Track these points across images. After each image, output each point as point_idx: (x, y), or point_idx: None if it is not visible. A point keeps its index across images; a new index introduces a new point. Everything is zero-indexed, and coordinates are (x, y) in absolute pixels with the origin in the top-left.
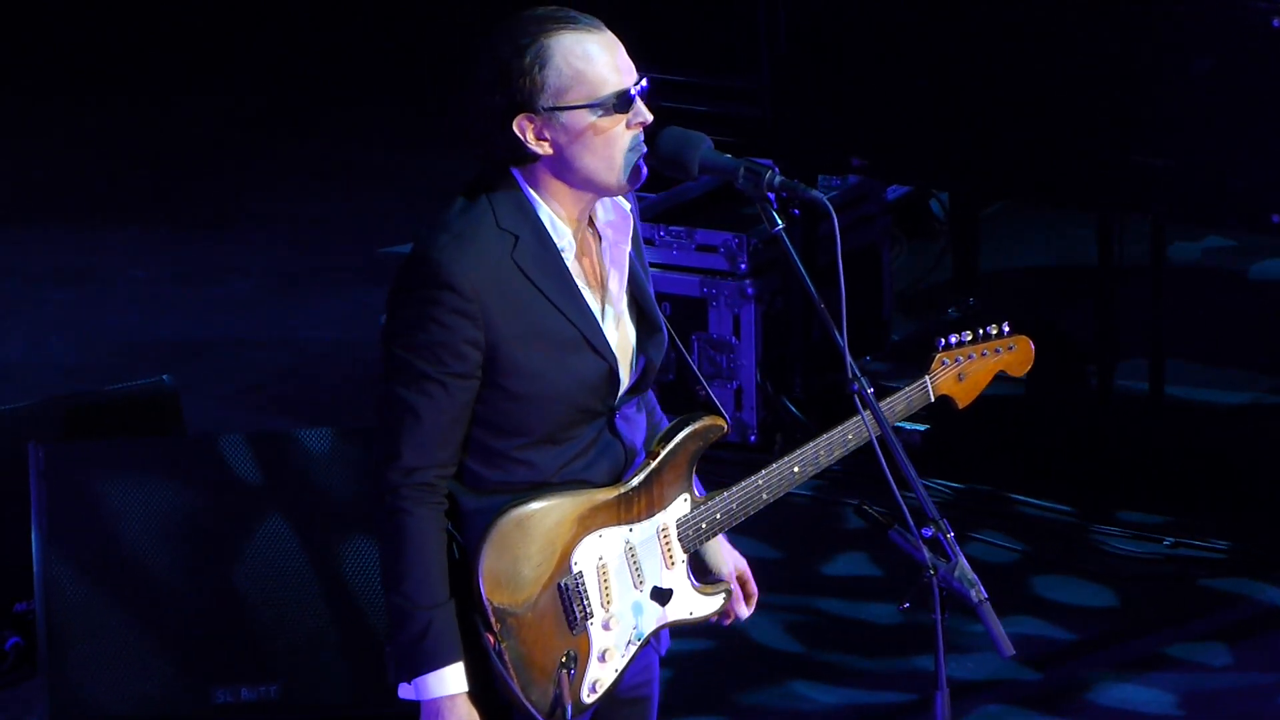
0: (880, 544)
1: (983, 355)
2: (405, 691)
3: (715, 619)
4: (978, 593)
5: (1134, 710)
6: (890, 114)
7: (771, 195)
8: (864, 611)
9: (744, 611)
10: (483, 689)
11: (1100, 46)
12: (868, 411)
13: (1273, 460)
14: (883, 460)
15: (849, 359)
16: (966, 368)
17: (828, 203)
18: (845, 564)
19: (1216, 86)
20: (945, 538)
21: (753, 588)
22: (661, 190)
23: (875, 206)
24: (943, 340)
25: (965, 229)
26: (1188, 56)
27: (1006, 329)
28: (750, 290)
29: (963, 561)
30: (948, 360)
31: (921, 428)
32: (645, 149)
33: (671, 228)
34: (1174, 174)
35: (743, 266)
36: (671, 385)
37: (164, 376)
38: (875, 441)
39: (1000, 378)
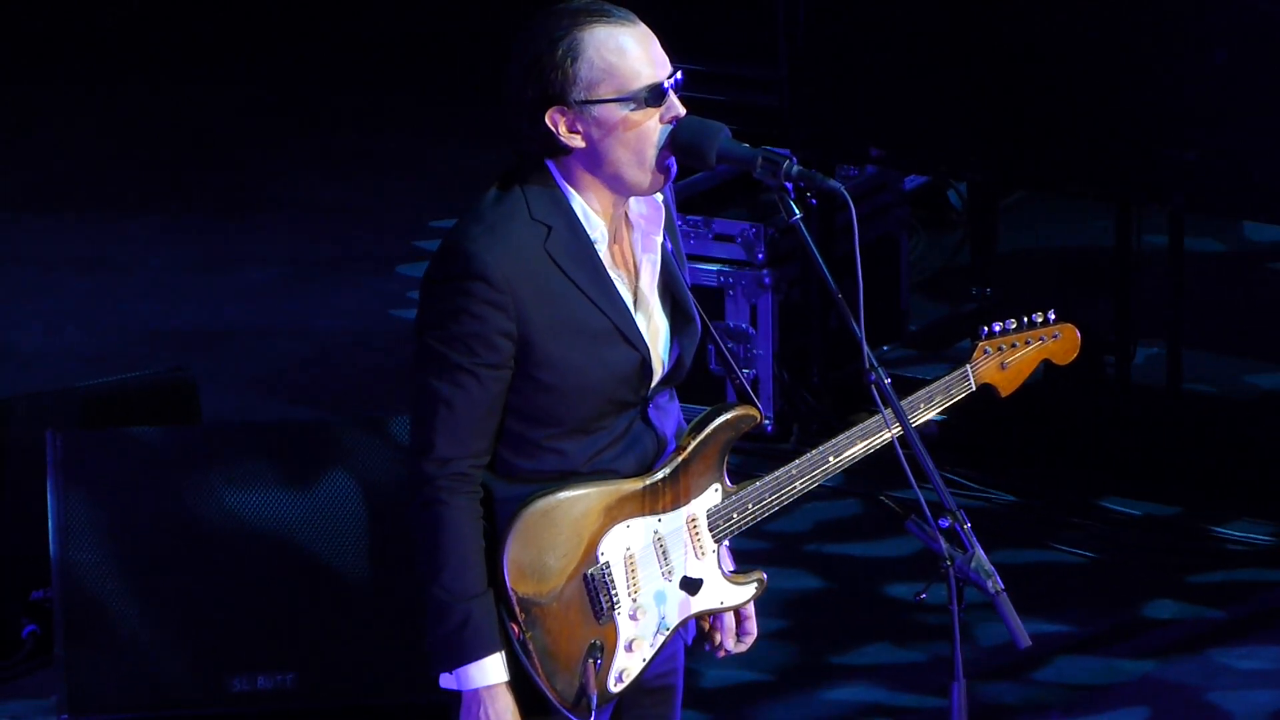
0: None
1: (1026, 344)
2: (446, 681)
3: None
4: (994, 583)
5: (1148, 700)
6: (908, 104)
7: (789, 185)
8: (882, 601)
9: (732, 646)
10: (519, 678)
11: (1120, 37)
12: (888, 408)
13: None
14: (899, 451)
15: (866, 349)
16: (1009, 356)
17: (845, 192)
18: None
19: (1237, 77)
20: (962, 528)
21: (751, 626)
22: (679, 179)
23: (893, 196)
24: (985, 328)
25: (983, 219)
26: (1209, 47)
27: (1052, 317)
28: (767, 280)
29: (979, 552)
30: (990, 349)
31: (940, 417)
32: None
33: (689, 217)
34: (1195, 165)
35: (760, 256)
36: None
37: (182, 365)
38: (894, 435)
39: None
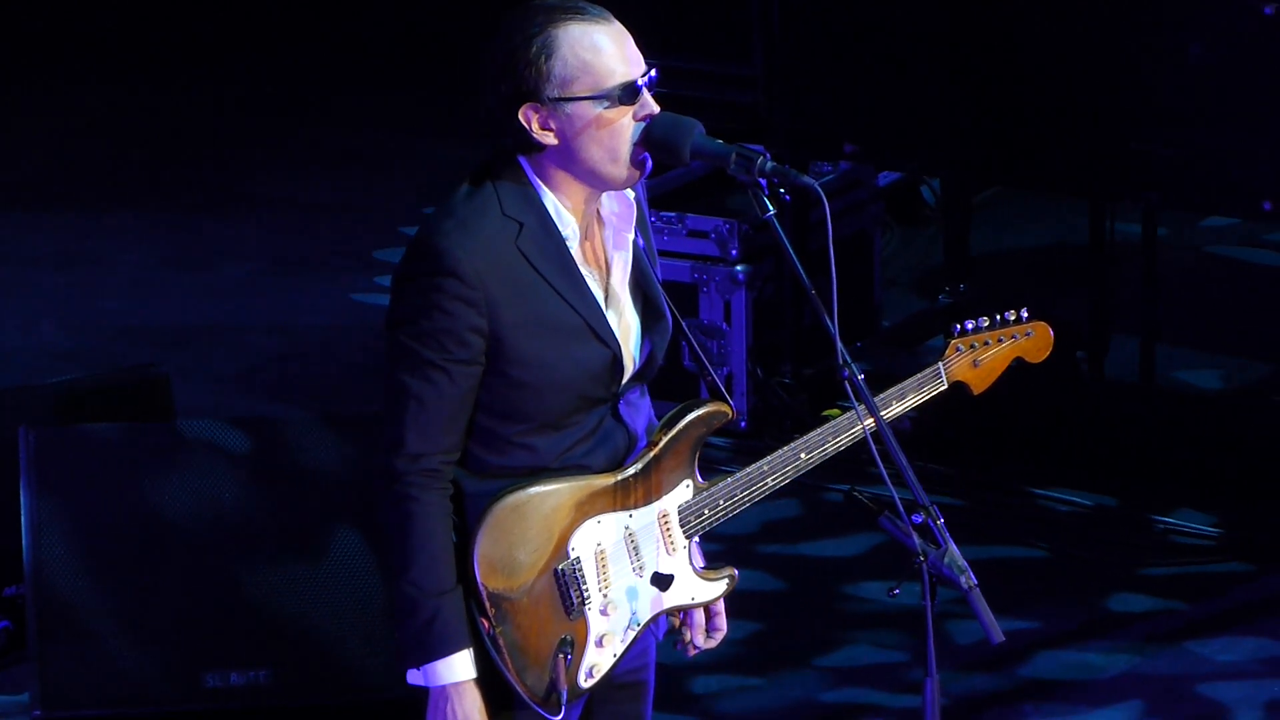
0: (871, 528)
1: (999, 341)
2: (414, 677)
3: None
4: (968, 579)
5: (1121, 691)
6: (882, 100)
7: (763, 181)
8: (853, 596)
9: (702, 643)
10: (489, 674)
11: (1094, 33)
12: (861, 404)
13: (1263, 446)
14: (873, 447)
15: (840, 345)
16: (982, 354)
17: (819, 188)
18: (834, 549)
19: (1210, 74)
20: (935, 524)
21: (721, 622)
22: (653, 176)
23: (867, 192)
24: (958, 326)
25: (957, 215)
26: (1182, 43)
27: (1025, 315)
28: (741, 276)
29: (953, 548)
30: (963, 346)
31: (912, 413)
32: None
33: (663, 213)
34: (1168, 161)
35: (734, 252)
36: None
37: (155, 362)
38: (867, 430)
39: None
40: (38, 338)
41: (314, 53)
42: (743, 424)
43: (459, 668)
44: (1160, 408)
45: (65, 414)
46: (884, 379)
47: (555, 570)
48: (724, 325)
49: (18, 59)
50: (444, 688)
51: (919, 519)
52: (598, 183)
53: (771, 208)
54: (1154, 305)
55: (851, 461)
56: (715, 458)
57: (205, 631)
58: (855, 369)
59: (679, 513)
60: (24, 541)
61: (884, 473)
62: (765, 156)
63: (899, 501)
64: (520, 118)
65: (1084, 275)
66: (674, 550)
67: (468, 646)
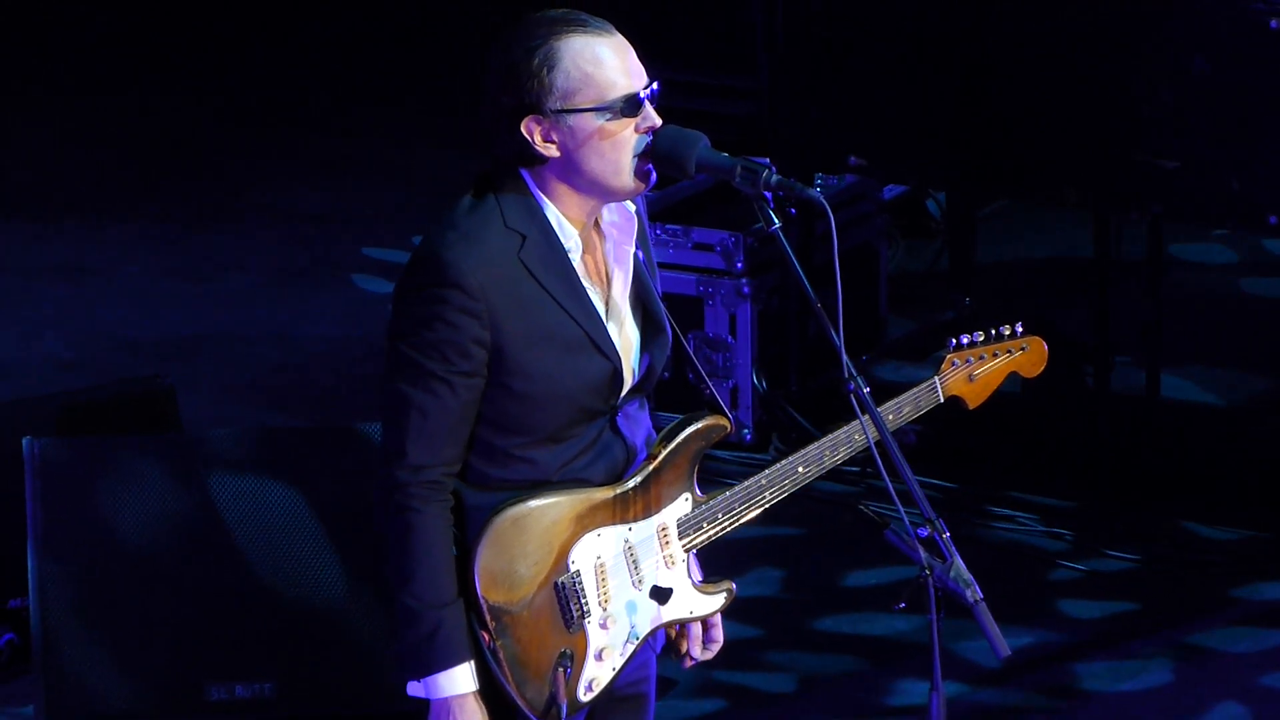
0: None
1: (994, 356)
2: (414, 690)
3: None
4: (973, 593)
5: (1130, 708)
6: (887, 113)
7: (768, 194)
8: (863, 615)
9: (699, 654)
10: (489, 687)
11: (1099, 46)
12: (865, 414)
13: (1266, 460)
14: (879, 460)
15: (845, 358)
16: (978, 368)
17: (824, 201)
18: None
19: (1216, 86)
20: (941, 538)
21: (718, 634)
22: (657, 188)
23: (872, 205)
24: (954, 340)
25: (961, 228)
26: (1187, 56)
27: (1019, 329)
28: (746, 289)
29: (958, 561)
30: (958, 361)
31: (916, 426)
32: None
33: (668, 226)
34: (1173, 174)
35: (739, 265)
36: (674, 383)
37: (160, 373)
38: (872, 443)
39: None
40: (41, 349)
41: (316, 64)
42: (748, 437)
43: (460, 680)
44: (1164, 422)
45: (70, 425)
46: (889, 392)
47: (555, 583)
48: (729, 338)
49: (20, 69)
50: (445, 700)
51: (925, 533)
52: (600, 194)
53: (777, 221)
54: (1158, 318)
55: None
56: (724, 471)
57: (209, 643)
58: (860, 382)
59: (678, 526)
60: (29, 553)
61: (889, 486)
62: (770, 169)
63: (904, 515)
64: (522, 129)
65: (1088, 288)
66: (673, 564)
67: (469, 659)
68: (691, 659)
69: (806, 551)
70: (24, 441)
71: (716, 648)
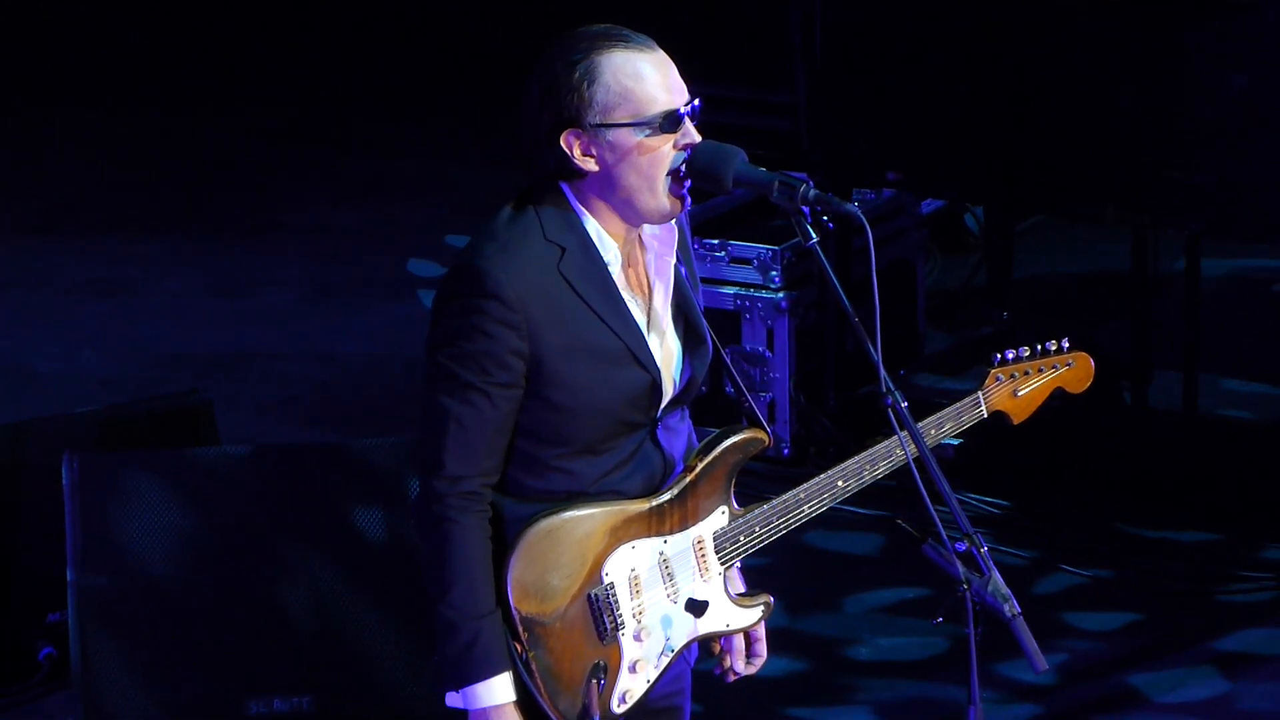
0: (914, 558)
1: (1040, 372)
2: (453, 700)
3: (720, 671)
4: (1011, 608)
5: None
6: (925, 128)
7: (806, 209)
8: (897, 624)
9: (742, 669)
10: (523, 698)
11: (1137, 62)
12: (904, 430)
13: None
14: (916, 475)
15: (883, 372)
16: (1022, 384)
17: (862, 216)
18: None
19: (1254, 103)
20: (979, 552)
21: (761, 648)
22: (695, 203)
23: (910, 220)
24: (998, 356)
25: (999, 243)
26: (1226, 73)
27: (1066, 345)
28: (784, 303)
29: (996, 576)
30: (1002, 376)
31: (955, 441)
32: (682, 170)
33: (706, 240)
34: (1211, 190)
35: (776, 279)
36: (712, 397)
37: (199, 388)
38: (910, 459)
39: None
40: (80, 365)
41: (355, 82)
42: (786, 451)
43: (499, 690)
44: (1203, 437)
45: (109, 440)
46: (926, 407)
47: (589, 595)
48: (767, 352)
49: (59, 87)
50: (484, 710)
51: (962, 547)
52: (634, 216)
53: (814, 235)
54: (1195, 334)
55: (902, 490)
56: (759, 486)
57: (248, 657)
58: (898, 396)
59: (714, 539)
60: (68, 568)
61: (927, 500)
62: (808, 184)
63: (942, 529)
64: (562, 143)
65: (1126, 304)
66: (709, 577)
67: (507, 669)
68: (735, 673)
69: (842, 566)
70: (64, 456)
71: (760, 661)
